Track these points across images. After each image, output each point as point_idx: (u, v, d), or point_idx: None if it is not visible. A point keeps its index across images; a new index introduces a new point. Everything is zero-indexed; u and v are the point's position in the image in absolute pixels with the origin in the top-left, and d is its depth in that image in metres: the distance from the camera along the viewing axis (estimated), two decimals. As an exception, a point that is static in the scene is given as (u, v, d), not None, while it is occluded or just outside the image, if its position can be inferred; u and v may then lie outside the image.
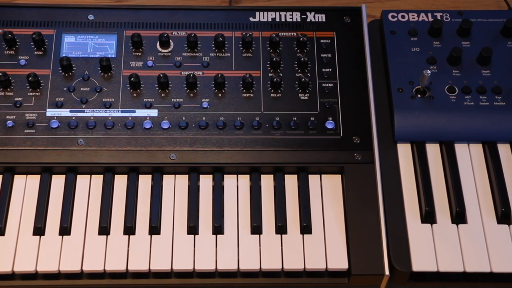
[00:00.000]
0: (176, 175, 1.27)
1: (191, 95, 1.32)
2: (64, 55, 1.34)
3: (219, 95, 1.33)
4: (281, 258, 1.19)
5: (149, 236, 1.21)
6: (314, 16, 1.41)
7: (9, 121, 1.28)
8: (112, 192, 1.25)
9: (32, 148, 1.26)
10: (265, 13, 1.41)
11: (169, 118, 1.30)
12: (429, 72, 1.29)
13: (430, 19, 1.40)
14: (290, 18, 1.41)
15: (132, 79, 1.31)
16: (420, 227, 1.21)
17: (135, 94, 1.32)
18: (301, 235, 1.21)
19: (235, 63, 1.36)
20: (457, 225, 1.22)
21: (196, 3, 1.58)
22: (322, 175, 1.28)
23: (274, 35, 1.36)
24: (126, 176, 1.27)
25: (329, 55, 1.37)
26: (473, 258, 1.18)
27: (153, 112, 1.31)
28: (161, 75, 1.31)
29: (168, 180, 1.27)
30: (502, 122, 1.29)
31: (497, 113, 1.29)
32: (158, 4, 1.49)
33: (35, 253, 1.18)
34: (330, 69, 1.35)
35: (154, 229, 1.21)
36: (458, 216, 1.22)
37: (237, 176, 1.27)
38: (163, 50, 1.36)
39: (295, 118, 1.30)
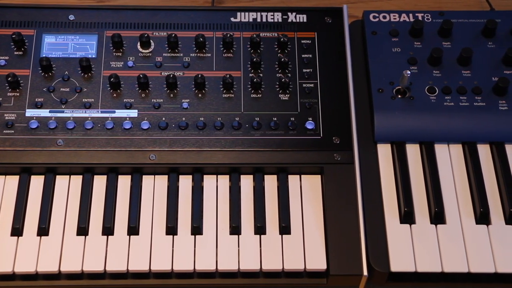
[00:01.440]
0: (155, 176, 1.27)
1: (171, 95, 1.32)
2: (44, 55, 1.34)
3: (200, 95, 1.32)
4: (260, 259, 1.19)
5: (128, 236, 1.21)
6: (295, 17, 1.41)
7: (-12, 122, 1.28)
8: (91, 192, 1.25)
9: (11, 149, 1.26)
10: (246, 13, 1.41)
11: (149, 119, 1.30)
12: (409, 72, 1.29)
13: (412, 19, 1.40)
14: (272, 18, 1.41)
15: (112, 79, 1.30)
16: (399, 228, 1.21)
17: (115, 95, 1.32)
18: (280, 236, 1.21)
19: (216, 64, 1.35)
20: (435, 226, 1.22)
21: (179, 3, 1.57)
22: (302, 176, 1.28)
23: (254, 36, 1.36)
24: (105, 176, 1.26)
25: (310, 56, 1.37)
26: (451, 259, 1.18)
27: (133, 113, 1.30)
28: (141, 76, 1.31)
29: (147, 181, 1.26)
30: (482, 123, 1.29)
31: (477, 114, 1.29)
32: (139, 4, 1.49)
33: (13, 254, 1.18)
34: (311, 70, 1.35)
35: (133, 229, 1.21)
36: (437, 216, 1.22)
37: (217, 177, 1.27)
38: (143, 51, 1.36)
39: (275, 119, 1.30)
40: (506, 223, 1.22)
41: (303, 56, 1.37)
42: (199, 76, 1.31)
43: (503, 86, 1.30)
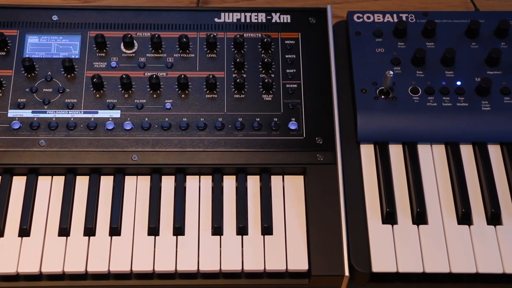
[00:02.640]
0: (138, 176, 1.27)
1: (155, 96, 1.32)
2: (27, 56, 1.33)
3: (183, 96, 1.32)
4: (241, 259, 1.19)
5: (109, 237, 1.21)
6: (279, 17, 1.41)
7: (-30, 122, 1.28)
8: (73, 193, 1.24)
9: (-7, 149, 1.26)
10: (230, 14, 1.41)
11: (132, 119, 1.30)
12: (392, 73, 1.29)
13: (396, 20, 1.40)
14: (255, 19, 1.41)
15: (94, 79, 1.30)
16: (380, 228, 1.21)
17: (98, 95, 1.32)
18: (262, 236, 1.21)
19: (199, 64, 1.35)
20: (417, 226, 1.22)
21: (164, 4, 1.57)
22: (285, 176, 1.27)
23: (238, 36, 1.36)
24: (87, 177, 1.26)
25: (294, 56, 1.37)
26: (432, 259, 1.18)
27: (116, 113, 1.30)
28: (123, 76, 1.31)
29: (130, 181, 1.26)
30: (465, 123, 1.29)
31: (459, 114, 1.30)
32: (125, 4, 1.48)
33: (-6, 255, 1.18)
34: (294, 70, 1.35)
35: (114, 230, 1.21)
36: (419, 217, 1.22)
37: (199, 177, 1.27)
38: (127, 51, 1.36)
39: (258, 119, 1.30)
40: (488, 224, 1.22)
41: (286, 56, 1.37)
42: (182, 76, 1.31)
43: (486, 86, 1.30)
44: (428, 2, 1.60)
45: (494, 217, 1.21)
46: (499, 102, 1.30)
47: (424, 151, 1.29)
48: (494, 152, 1.29)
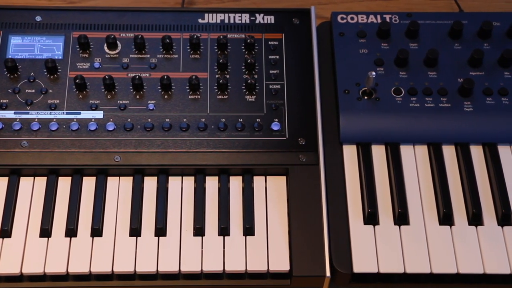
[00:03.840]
0: (120, 177, 1.27)
1: (137, 96, 1.32)
2: (9, 57, 1.33)
3: (166, 96, 1.32)
4: (223, 260, 1.19)
5: (91, 238, 1.20)
6: (263, 18, 1.41)
7: (-48, 123, 1.27)
8: (55, 194, 1.24)
9: (-25, 150, 1.25)
10: (214, 14, 1.41)
11: (115, 120, 1.30)
12: (374, 73, 1.29)
13: (379, 21, 1.40)
14: (239, 19, 1.41)
15: (77, 80, 1.30)
16: (362, 229, 1.21)
17: (81, 96, 1.31)
18: (244, 237, 1.21)
19: (183, 65, 1.35)
20: (399, 227, 1.22)
21: (150, 4, 1.58)
22: (267, 177, 1.28)
23: (221, 37, 1.36)
24: (70, 178, 1.26)
25: (277, 57, 1.37)
26: (414, 259, 1.18)
27: (99, 114, 1.30)
28: (106, 77, 1.31)
29: (112, 182, 1.26)
30: (447, 124, 1.29)
31: (442, 115, 1.30)
32: (110, 5, 1.48)
33: (-25, 256, 1.18)
34: (278, 71, 1.35)
35: (96, 231, 1.21)
36: (400, 217, 1.22)
37: (182, 178, 1.27)
38: (110, 52, 1.36)
39: (241, 120, 1.30)
40: (469, 224, 1.22)
41: (270, 57, 1.37)
42: (165, 77, 1.31)
43: (468, 87, 1.30)
44: (413, 3, 1.60)
45: (475, 218, 1.22)
46: (481, 103, 1.30)
47: (406, 151, 1.29)
48: (476, 152, 1.29)
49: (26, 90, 1.31)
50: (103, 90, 1.32)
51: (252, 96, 1.33)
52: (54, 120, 1.29)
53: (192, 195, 1.25)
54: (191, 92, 1.33)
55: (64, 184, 1.26)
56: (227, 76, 1.34)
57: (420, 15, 1.41)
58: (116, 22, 1.39)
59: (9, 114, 1.29)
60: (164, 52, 1.36)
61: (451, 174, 1.27)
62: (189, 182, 1.27)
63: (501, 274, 1.17)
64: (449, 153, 1.29)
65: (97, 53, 1.35)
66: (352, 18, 1.41)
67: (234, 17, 1.41)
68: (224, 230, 1.21)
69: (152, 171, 1.27)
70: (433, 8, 1.58)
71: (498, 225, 1.22)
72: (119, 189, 1.26)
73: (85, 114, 1.30)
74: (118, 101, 1.31)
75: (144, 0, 1.58)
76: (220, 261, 1.19)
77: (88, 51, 1.35)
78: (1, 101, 1.30)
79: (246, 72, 1.35)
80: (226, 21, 1.40)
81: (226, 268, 1.18)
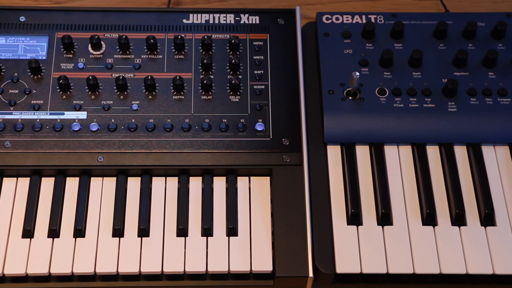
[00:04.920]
0: (103, 178, 1.26)
1: (121, 97, 1.32)
2: (-7, 57, 1.33)
3: (150, 97, 1.32)
4: (206, 261, 1.19)
5: (74, 239, 1.20)
6: (248, 18, 1.41)
7: None
8: (38, 195, 1.24)
9: (-43, 151, 1.25)
10: (199, 15, 1.41)
11: (98, 120, 1.29)
12: (358, 74, 1.29)
13: (364, 21, 1.40)
14: (224, 20, 1.41)
15: (60, 81, 1.30)
16: (345, 229, 1.21)
17: (64, 96, 1.31)
18: (227, 238, 1.21)
19: (167, 65, 1.35)
20: (382, 227, 1.22)
21: (136, 4, 1.57)
22: (251, 177, 1.27)
23: (205, 37, 1.36)
24: (53, 178, 1.26)
25: (262, 57, 1.37)
26: (396, 260, 1.18)
27: (82, 115, 1.30)
28: (90, 77, 1.30)
29: (95, 183, 1.26)
30: (431, 124, 1.29)
31: (426, 115, 1.30)
32: (95, 5, 1.48)
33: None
34: (262, 71, 1.35)
35: (79, 232, 1.20)
36: (384, 217, 1.22)
37: (166, 179, 1.27)
38: (94, 52, 1.36)
39: (225, 120, 1.30)
40: (453, 225, 1.22)
41: (254, 57, 1.37)
42: (149, 77, 1.31)
43: (452, 87, 1.30)
44: (400, 4, 1.60)
45: (458, 218, 1.22)
46: (465, 103, 1.30)
47: (390, 152, 1.29)
48: (460, 153, 1.29)
49: (10, 91, 1.31)
50: (87, 90, 1.32)
51: (237, 97, 1.33)
52: (38, 120, 1.29)
53: (176, 196, 1.25)
54: (175, 93, 1.32)
55: (47, 184, 1.25)
56: (212, 77, 1.34)
57: (405, 16, 1.41)
58: (101, 23, 1.38)
59: (-8, 114, 1.29)
60: (148, 52, 1.36)
61: (434, 175, 1.27)
62: (173, 182, 1.26)
63: (484, 274, 1.17)
64: (433, 153, 1.29)
65: (81, 54, 1.35)
66: (337, 19, 1.41)
67: (219, 17, 1.41)
68: (207, 231, 1.21)
69: (136, 171, 1.26)
70: (420, 9, 1.59)
71: (481, 225, 1.22)
72: (102, 189, 1.25)
73: (69, 115, 1.30)
74: (102, 102, 1.31)
75: (131, 1, 1.58)
76: (203, 262, 1.19)
77: (72, 52, 1.35)
78: (-16, 101, 1.30)
79: (231, 73, 1.35)
80: (211, 21, 1.40)
81: (209, 268, 1.18)
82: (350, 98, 1.32)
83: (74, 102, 1.31)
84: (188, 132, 1.29)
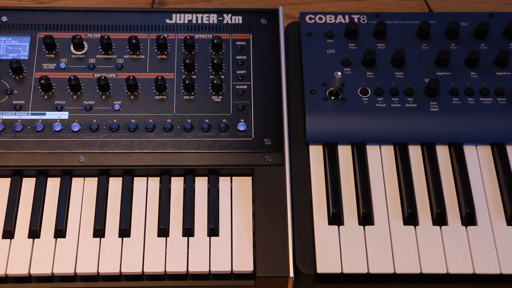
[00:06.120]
0: (85, 178, 1.26)
1: (103, 97, 1.31)
2: (-26, 57, 1.33)
3: (132, 97, 1.32)
4: (187, 261, 1.19)
5: (54, 239, 1.20)
6: (231, 18, 1.41)
7: None
8: (19, 195, 1.24)
9: None
10: (182, 15, 1.40)
11: (80, 121, 1.29)
12: (340, 74, 1.29)
13: (347, 21, 1.40)
14: (207, 20, 1.40)
15: (42, 81, 1.30)
16: (327, 229, 1.21)
17: (46, 97, 1.31)
18: (208, 238, 1.21)
19: (149, 65, 1.35)
20: (364, 227, 1.22)
21: (121, 4, 1.57)
22: (233, 178, 1.27)
23: (188, 37, 1.35)
24: (34, 179, 1.25)
25: (244, 57, 1.36)
26: (377, 259, 1.18)
27: (64, 115, 1.30)
28: (72, 77, 1.30)
29: (76, 183, 1.25)
30: (413, 124, 1.29)
31: (408, 115, 1.30)
32: (80, 5, 1.48)
33: None
34: (245, 71, 1.35)
35: (59, 232, 1.20)
36: (365, 217, 1.22)
37: (147, 179, 1.27)
38: (76, 52, 1.35)
39: (207, 120, 1.30)
40: (434, 224, 1.22)
41: (237, 57, 1.36)
42: (131, 77, 1.31)
43: (434, 87, 1.30)
44: (385, 3, 1.60)
45: (439, 218, 1.22)
46: (447, 103, 1.30)
47: (372, 152, 1.29)
48: (442, 153, 1.29)
49: (-9, 91, 1.31)
50: (69, 90, 1.31)
51: (219, 97, 1.33)
52: (19, 120, 1.28)
53: (157, 196, 1.25)
54: (157, 93, 1.32)
55: (28, 185, 1.25)
56: (194, 77, 1.34)
57: (388, 16, 1.41)
58: (83, 23, 1.38)
59: (-27, 115, 1.28)
60: (131, 52, 1.36)
61: (416, 174, 1.27)
62: (155, 183, 1.26)
63: (464, 274, 1.17)
64: (415, 153, 1.29)
65: (63, 54, 1.35)
66: (320, 18, 1.41)
67: (202, 17, 1.41)
68: (188, 231, 1.21)
69: (117, 172, 1.26)
70: (404, 9, 1.59)
71: (462, 225, 1.22)
72: (83, 190, 1.25)
73: (50, 115, 1.29)
74: (84, 102, 1.31)
75: (115, 1, 1.58)
76: (183, 262, 1.18)
77: (54, 52, 1.35)
78: (-35, 101, 1.29)
79: (213, 73, 1.35)
80: (194, 21, 1.40)
81: (189, 268, 1.18)
82: (332, 98, 1.32)
83: (56, 102, 1.30)
84: (170, 132, 1.29)
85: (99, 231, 1.20)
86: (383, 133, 1.29)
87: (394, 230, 1.21)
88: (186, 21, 1.40)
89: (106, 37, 1.34)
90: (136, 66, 1.35)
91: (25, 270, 1.17)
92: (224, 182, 1.27)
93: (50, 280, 1.19)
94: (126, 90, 1.32)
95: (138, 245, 1.20)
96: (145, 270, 1.18)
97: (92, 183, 1.26)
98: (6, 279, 1.18)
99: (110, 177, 1.26)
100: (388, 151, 1.30)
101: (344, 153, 1.29)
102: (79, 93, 1.31)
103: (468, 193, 1.23)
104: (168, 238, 1.21)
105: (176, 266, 1.18)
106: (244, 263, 1.19)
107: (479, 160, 1.28)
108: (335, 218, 1.22)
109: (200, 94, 1.33)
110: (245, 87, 1.34)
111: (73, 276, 1.19)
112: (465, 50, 1.35)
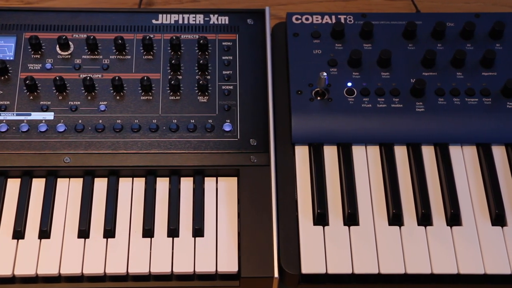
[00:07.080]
0: (70, 179, 1.26)
1: (89, 98, 1.31)
2: (-40, 58, 1.33)
3: (118, 97, 1.32)
4: (171, 261, 1.18)
5: (39, 240, 1.20)
6: (217, 19, 1.41)
7: None
8: (4, 196, 1.23)
9: None
10: (168, 15, 1.40)
11: (65, 121, 1.29)
12: (325, 74, 1.29)
13: (334, 21, 1.40)
14: (193, 20, 1.40)
15: (27, 82, 1.29)
16: (312, 229, 1.21)
17: (31, 97, 1.31)
18: (193, 238, 1.21)
19: (135, 66, 1.35)
20: (349, 227, 1.22)
21: (109, 5, 1.57)
22: (218, 178, 1.27)
23: (174, 38, 1.35)
24: (19, 179, 1.25)
25: (231, 58, 1.36)
26: (362, 260, 1.18)
27: (49, 115, 1.29)
28: (57, 78, 1.30)
29: (61, 184, 1.25)
30: (399, 124, 1.29)
31: (394, 115, 1.30)
32: (67, 6, 1.48)
33: None
34: (231, 72, 1.35)
35: (44, 233, 1.20)
36: (350, 218, 1.22)
37: (133, 179, 1.26)
38: (62, 53, 1.35)
39: (193, 121, 1.30)
40: (419, 225, 1.22)
41: (223, 58, 1.36)
42: (117, 78, 1.31)
43: (420, 88, 1.30)
44: (373, 4, 1.60)
45: (424, 218, 1.22)
46: (433, 103, 1.30)
47: (358, 152, 1.29)
48: (428, 153, 1.29)
49: (-24, 92, 1.31)
50: (54, 91, 1.31)
51: (205, 97, 1.33)
52: (4, 121, 1.28)
53: (142, 197, 1.25)
54: (143, 93, 1.32)
55: (13, 185, 1.24)
56: (180, 77, 1.34)
57: (375, 16, 1.41)
58: (69, 23, 1.38)
59: (-42, 115, 1.28)
60: (117, 53, 1.36)
61: (402, 175, 1.27)
62: (140, 183, 1.26)
63: (449, 274, 1.17)
64: (400, 153, 1.29)
65: (49, 54, 1.35)
66: (307, 19, 1.41)
67: (188, 17, 1.40)
68: (173, 232, 1.21)
69: (103, 172, 1.26)
70: (392, 9, 1.59)
71: (447, 225, 1.22)
72: (68, 190, 1.25)
73: (36, 115, 1.29)
74: (70, 102, 1.31)
75: (102, 1, 1.57)
76: (168, 263, 1.18)
77: (40, 52, 1.35)
78: (-50, 102, 1.29)
79: (199, 73, 1.35)
80: (180, 21, 1.40)
81: (174, 269, 1.18)
82: (318, 98, 1.32)
83: (41, 102, 1.30)
84: (155, 132, 1.29)
85: (83, 232, 1.20)
86: (369, 134, 1.29)
87: (379, 231, 1.21)
88: (172, 22, 1.40)
89: (92, 37, 1.34)
90: (122, 67, 1.34)
91: (9, 271, 1.16)
92: (209, 183, 1.27)
93: (34, 281, 1.18)
94: (112, 91, 1.32)
95: (123, 246, 1.19)
96: (129, 271, 1.18)
97: (77, 183, 1.26)
98: (-10, 280, 1.18)
99: (95, 177, 1.26)
100: (374, 151, 1.30)
101: (330, 153, 1.29)
102: (64, 93, 1.31)
103: (453, 193, 1.23)
104: (153, 238, 1.21)
105: (161, 266, 1.18)
106: (229, 263, 1.19)
107: (465, 160, 1.28)
108: (320, 218, 1.22)
109: (186, 94, 1.33)
110: (231, 87, 1.34)
111: (57, 277, 1.18)
112: (451, 51, 1.35)
